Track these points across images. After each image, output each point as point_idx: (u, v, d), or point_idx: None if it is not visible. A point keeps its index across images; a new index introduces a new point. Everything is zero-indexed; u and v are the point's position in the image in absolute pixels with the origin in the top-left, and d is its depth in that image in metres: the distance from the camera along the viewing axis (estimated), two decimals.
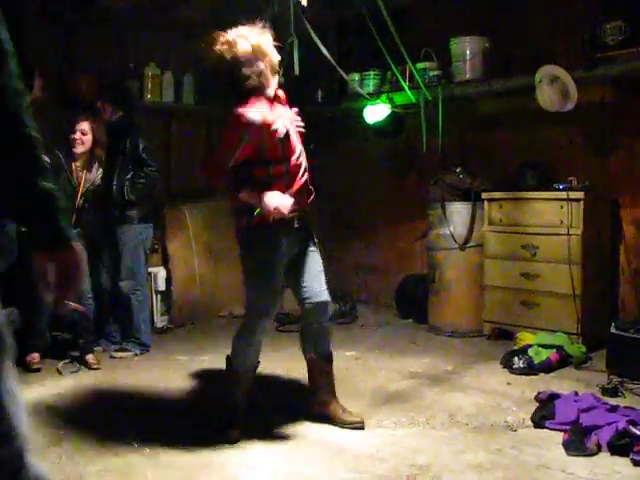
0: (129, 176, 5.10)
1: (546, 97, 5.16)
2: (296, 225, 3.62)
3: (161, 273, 6.19)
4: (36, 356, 4.84)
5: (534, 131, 5.75)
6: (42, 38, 5.58)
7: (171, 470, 3.21)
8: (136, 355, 5.23)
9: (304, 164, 3.63)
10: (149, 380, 4.65)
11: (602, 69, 5.12)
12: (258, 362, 3.79)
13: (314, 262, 3.75)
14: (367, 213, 7.12)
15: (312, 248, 3.75)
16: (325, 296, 3.72)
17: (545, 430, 3.64)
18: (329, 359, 3.81)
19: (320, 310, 3.69)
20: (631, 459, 3.21)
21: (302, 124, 3.73)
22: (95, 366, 4.91)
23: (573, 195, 5.18)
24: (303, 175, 3.61)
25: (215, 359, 5.14)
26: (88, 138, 5.02)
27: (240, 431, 3.55)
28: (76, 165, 5.02)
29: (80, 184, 5.02)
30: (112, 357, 5.20)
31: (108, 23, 5.99)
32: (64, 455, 3.37)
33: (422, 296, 6.15)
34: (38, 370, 4.78)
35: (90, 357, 4.97)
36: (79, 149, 4.99)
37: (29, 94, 5.17)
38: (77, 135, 4.98)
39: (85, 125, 5.00)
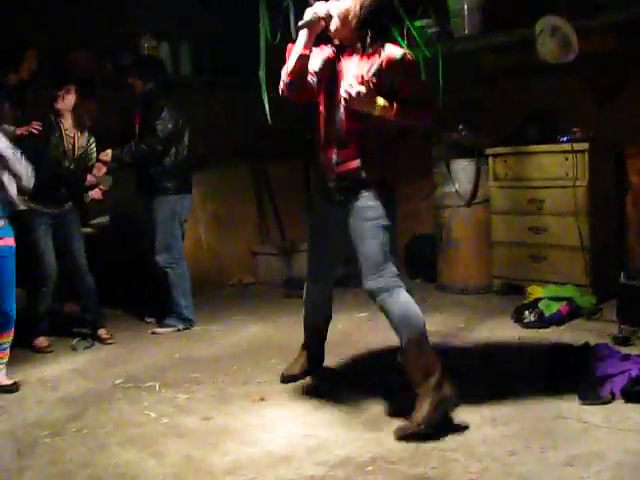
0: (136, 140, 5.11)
1: (547, 48, 5.09)
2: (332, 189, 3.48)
3: None
4: (43, 339, 4.83)
5: (536, 84, 5.69)
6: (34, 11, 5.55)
7: (190, 437, 3.25)
8: (179, 330, 5.16)
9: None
10: (164, 351, 4.69)
11: (603, 17, 5.05)
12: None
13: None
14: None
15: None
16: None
17: (559, 381, 3.65)
18: None
19: None
20: None
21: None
22: (109, 341, 4.93)
23: (577, 147, 5.16)
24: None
25: (226, 328, 5.20)
26: (70, 98, 4.88)
27: None
28: (64, 129, 4.90)
29: (69, 149, 4.90)
30: (153, 333, 5.17)
31: None
32: (85, 428, 3.42)
33: (430, 255, 6.15)
34: (50, 352, 4.78)
35: (102, 332, 4.98)
36: (59, 104, 4.84)
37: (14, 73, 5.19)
38: (61, 92, 4.84)
39: (72, 88, 4.89)
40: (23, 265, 4.38)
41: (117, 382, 4.09)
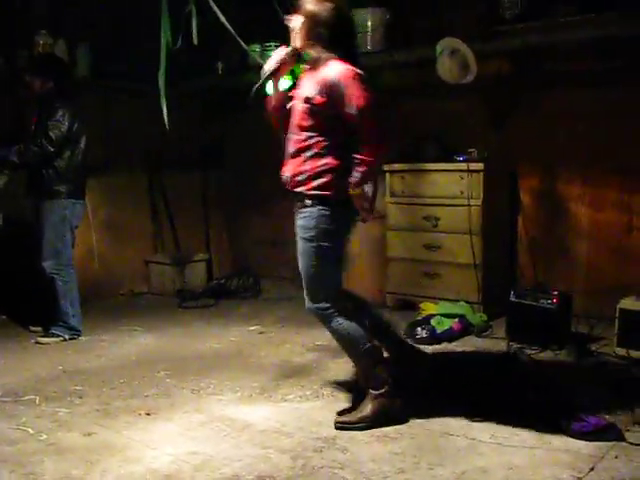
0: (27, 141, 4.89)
1: (446, 69, 5.18)
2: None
3: None
4: None
5: (435, 103, 5.78)
6: None
7: (70, 454, 3.09)
8: (65, 340, 4.94)
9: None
10: (48, 362, 4.48)
11: (499, 42, 5.18)
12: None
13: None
14: (267, 186, 7.02)
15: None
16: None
17: (450, 399, 3.67)
18: None
19: None
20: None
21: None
22: None
23: (473, 166, 5.26)
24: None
25: (115, 339, 5.03)
26: None
27: None
28: None
29: None
30: (37, 343, 4.91)
31: None
32: None
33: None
34: None
35: None
36: None
37: None
38: None
39: None
40: None
41: None
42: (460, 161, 5.34)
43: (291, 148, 3.41)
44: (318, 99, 3.26)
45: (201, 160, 7.10)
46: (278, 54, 3.45)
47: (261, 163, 6.94)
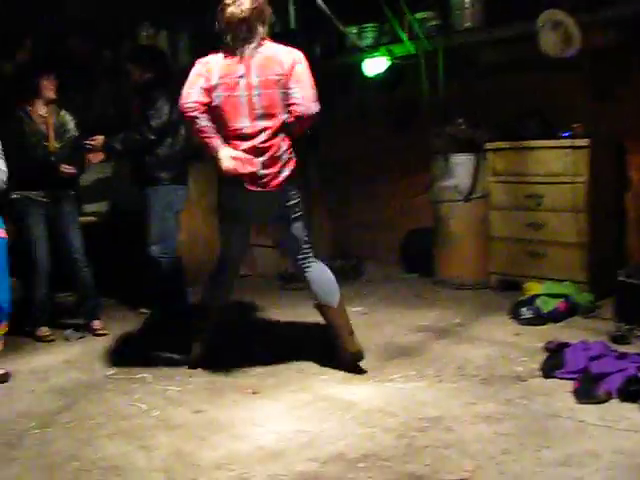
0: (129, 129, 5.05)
1: (549, 42, 5.04)
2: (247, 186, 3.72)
3: None
4: (45, 329, 4.82)
5: (537, 78, 5.63)
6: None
7: (181, 430, 3.21)
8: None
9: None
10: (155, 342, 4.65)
11: (605, 12, 5.00)
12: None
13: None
14: (370, 168, 7.04)
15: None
16: None
17: (555, 380, 3.62)
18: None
19: None
20: None
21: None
22: (102, 331, 4.89)
23: (578, 142, 5.10)
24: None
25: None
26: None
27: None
28: (34, 112, 4.82)
29: (43, 129, 4.83)
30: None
31: None
32: (74, 420, 3.38)
33: (427, 250, 6.10)
34: (52, 341, 4.77)
35: (96, 323, 4.94)
36: (49, 93, 4.83)
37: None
38: (47, 81, 4.81)
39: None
40: (18, 255, 4.36)
41: (109, 373, 4.06)
42: (564, 137, 5.19)
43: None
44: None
45: (304, 142, 7.14)
46: None
47: (362, 145, 6.96)
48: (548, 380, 3.63)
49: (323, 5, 4.96)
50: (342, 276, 6.44)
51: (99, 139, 4.96)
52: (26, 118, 4.77)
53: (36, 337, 4.78)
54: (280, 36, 5.00)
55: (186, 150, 5.24)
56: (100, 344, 4.68)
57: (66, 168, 4.81)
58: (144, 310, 5.39)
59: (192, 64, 5.72)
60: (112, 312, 5.43)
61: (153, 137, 4.98)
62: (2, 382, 3.93)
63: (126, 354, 4.43)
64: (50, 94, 4.80)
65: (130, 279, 5.57)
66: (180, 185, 5.18)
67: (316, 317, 5.02)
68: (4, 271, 3.97)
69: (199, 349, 4.06)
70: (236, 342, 4.61)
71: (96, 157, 4.98)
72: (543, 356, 3.90)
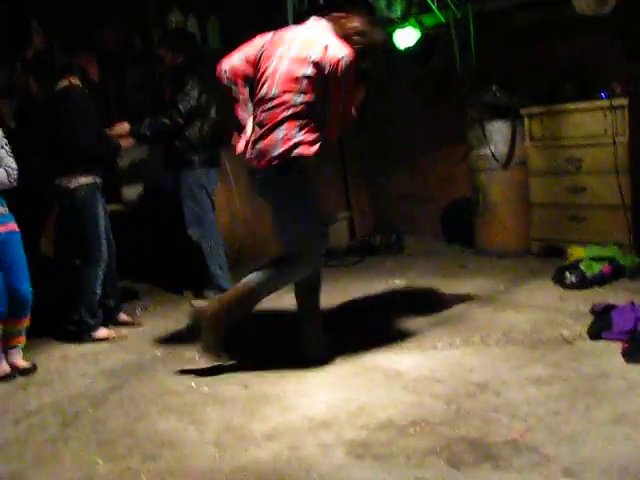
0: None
1: (582, 1, 4.95)
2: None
3: None
4: (106, 330, 4.53)
5: (571, 40, 5.54)
6: None
7: (230, 404, 3.25)
8: None
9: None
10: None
11: None
12: None
13: None
14: (406, 141, 7.00)
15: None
16: None
17: (602, 341, 3.60)
18: None
19: None
20: None
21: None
22: (130, 321, 4.78)
23: (616, 102, 5.03)
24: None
25: (265, 299, 5.17)
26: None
27: None
28: None
29: None
30: (192, 306, 5.15)
31: None
32: (126, 399, 3.44)
33: (468, 220, 6.07)
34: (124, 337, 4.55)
35: (123, 316, 4.80)
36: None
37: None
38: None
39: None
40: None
41: (157, 354, 4.11)
42: (602, 98, 5.11)
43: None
44: None
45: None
46: None
47: (399, 116, 6.92)
48: (596, 342, 3.60)
49: None
50: (383, 250, 6.51)
51: (125, 126, 4.96)
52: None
53: (95, 339, 4.47)
54: (308, 12, 5.03)
55: (217, 133, 5.24)
56: (147, 326, 4.74)
57: (125, 142, 4.88)
58: (187, 293, 5.42)
59: (222, 48, 5.79)
60: (157, 295, 5.49)
61: (181, 121, 5.00)
62: (27, 374, 3.89)
63: (173, 334, 4.49)
64: (95, 75, 4.67)
65: (173, 262, 5.63)
66: (211, 167, 5.20)
67: (356, 291, 5.09)
68: (23, 263, 3.98)
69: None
70: (279, 318, 4.65)
71: (126, 142, 5.01)
72: (589, 319, 3.87)
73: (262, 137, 3.51)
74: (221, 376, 3.63)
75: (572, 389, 3.06)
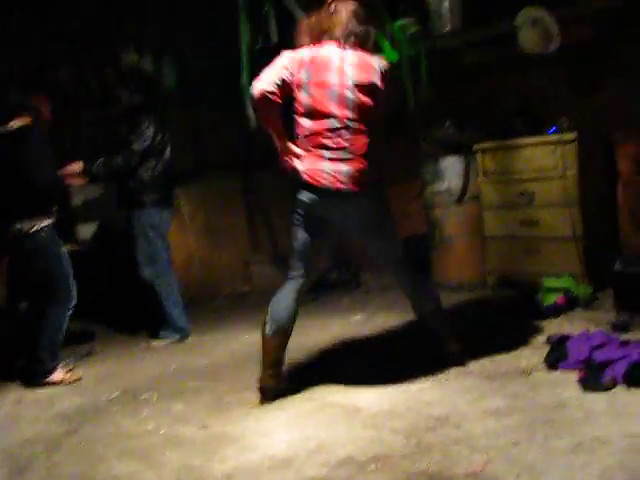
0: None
1: (529, 40, 5.09)
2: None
3: None
4: (59, 373, 4.38)
5: (521, 76, 5.68)
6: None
7: (189, 446, 3.20)
8: (175, 342, 5.11)
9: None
10: (160, 363, 4.65)
11: (582, 6, 5.05)
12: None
13: None
14: None
15: None
16: None
17: (559, 372, 3.62)
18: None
19: None
20: None
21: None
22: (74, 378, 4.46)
23: (565, 137, 5.13)
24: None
25: (223, 337, 5.16)
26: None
27: None
28: None
29: None
30: (149, 347, 5.09)
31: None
32: (82, 442, 3.37)
33: (424, 255, 6.11)
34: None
35: (57, 375, 4.40)
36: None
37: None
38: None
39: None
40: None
41: (113, 396, 4.05)
42: (551, 133, 5.23)
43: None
44: None
45: None
46: None
47: None
48: (553, 372, 3.63)
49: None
50: (340, 287, 6.52)
51: (77, 165, 4.93)
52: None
53: (50, 382, 4.33)
54: (263, 50, 5.08)
55: (171, 173, 5.21)
56: (102, 368, 4.68)
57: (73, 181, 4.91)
58: (145, 336, 5.33)
59: (177, 87, 5.79)
60: (110, 337, 5.42)
61: (135, 162, 4.98)
62: None
63: (129, 376, 4.42)
64: (47, 114, 4.59)
65: (128, 302, 5.56)
66: (165, 207, 5.16)
67: (313, 328, 5.07)
68: None
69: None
70: (237, 357, 4.62)
71: (78, 181, 4.98)
72: (546, 349, 3.90)
73: (349, 161, 3.55)
74: (180, 417, 3.58)
75: (530, 420, 3.08)
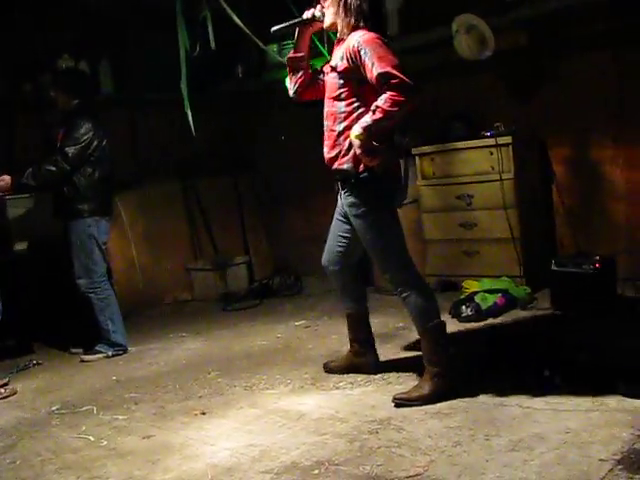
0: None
1: (464, 46, 5.16)
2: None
3: None
4: None
5: (457, 82, 5.76)
6: None
7: (131, 457, 3.15)
8: (108, 357, 4.91)
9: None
10: (100, 375, 4.58)
11: (515, 13, 5.14)
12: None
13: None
14: (300, 183, 7.08)
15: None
16: None
17: None
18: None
19: None
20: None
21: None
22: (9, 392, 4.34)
23: (501, 140, 5.22)
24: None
25: (164, 346, 5.10)
26: None
27: None
28: None
29: None
30: (82, 361, 4.91)
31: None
32: (19, 459, 3.28)
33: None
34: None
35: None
36: None
37: None
38: None
39: None
40: None
41: (52, 409, 3.96)
42: (488, 136, 5.32)
43: (326, 123, 3.53)
44: (342, 66, 3.37)
45: (232, 163, 7.16)
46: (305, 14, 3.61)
47: (292, 161, 7.00)
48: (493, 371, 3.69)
49: (240, 23, 4.95)
50: (283, 292, 6.52)
51: (5, 179, 4.77)
52: None
53: None
54: (200, 57, 5.05)
55: (110, 180, 5.05)
56: (40, 381, 4.58)
57: None
58: (75, 350, 5.16)
59: (114, 92, 5.68)
60: (49, 349, 5.32)
61: (67, 166, 4.78)
62: None
63: (69, 388, 4.34)
64: None
65: (66, 313, 5.41)
66: (102, 216, 4.97)
67: (257, 334, 5.06)
68: None
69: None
70: (179, 365, 4.58)
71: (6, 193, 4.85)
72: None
73: None
74: (121, 429, 3.53)
75: (472, 419, 3.12)
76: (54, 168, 4.77)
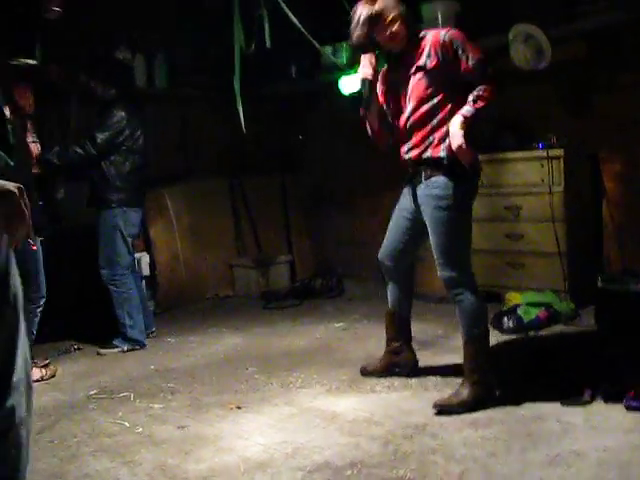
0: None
1: (520, 55, 5.11)
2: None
3: (144, 258, 6.01)
4: (35, 371, 4.26)
5: (510, 91, 5.67)
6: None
7: (165, 445, 3.18)
8: (123, 351, 4.86)
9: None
10: (139, 363, 4.62)
11: (575, 25, 5.08)
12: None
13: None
14: (348, 186, 7.08)
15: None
16: None
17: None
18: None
19: None
20: (625, 405, 3.21)
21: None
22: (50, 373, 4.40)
23: (553, 153, 5.16)
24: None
25: (203, 340, 5.13)
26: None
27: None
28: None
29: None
30: (98, 354, 4.91)
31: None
32: (57, 439, 3.34)
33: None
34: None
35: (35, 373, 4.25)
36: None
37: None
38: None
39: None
40: None
41: (90, 393, 4.01)
42: (539, 148, 5.25)
43: (410, 123, 3.48)
44: (432, 62, 3.37)
45: (280, 163, 7.19)
46: (366, 59, 3.59)
47: (341, 165, 7.01)
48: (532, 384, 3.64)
49: (298, 23, 4.96)
50: (324, 294, 6.52)
51: (35, 147, 4.71)
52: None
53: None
54: (255, 56, 5.08)
55: (143, 172, 5.03)
56: (81, 365, 4.65)
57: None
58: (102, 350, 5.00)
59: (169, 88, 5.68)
60: (91, 335, 5.37)
61: (95, 152, 4.75)
62: None
63: (108, 374, 4.39)
64: (28, 107, 4.56)
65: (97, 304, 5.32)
66: (131, 208, 4.94)
67: (296, 334, 5.07)
68: None
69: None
70: (217, 359, 4.60)
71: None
72: (526, 362, 3.92)
73: None
74: (156, 417, 3.56)
75: (509, 431, 3.08)
76: (80, 151, 4.75)
